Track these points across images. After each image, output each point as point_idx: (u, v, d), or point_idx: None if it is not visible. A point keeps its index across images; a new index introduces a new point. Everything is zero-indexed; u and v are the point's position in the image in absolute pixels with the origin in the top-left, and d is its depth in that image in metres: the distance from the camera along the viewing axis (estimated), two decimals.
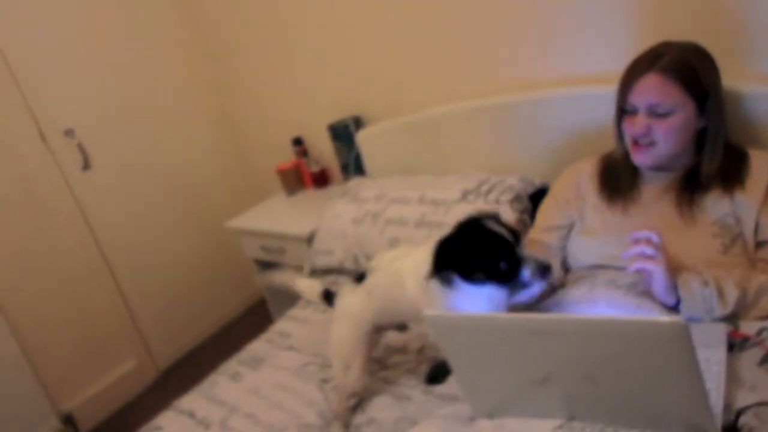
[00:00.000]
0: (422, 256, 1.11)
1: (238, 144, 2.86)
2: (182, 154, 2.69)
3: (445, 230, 1.11)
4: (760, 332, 0.99)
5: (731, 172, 1.17)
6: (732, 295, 1.03)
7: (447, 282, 1.06)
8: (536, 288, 1.04)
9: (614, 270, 1.21)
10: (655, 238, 1.06)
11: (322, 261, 1.94)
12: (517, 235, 1.05)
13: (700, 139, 1.19)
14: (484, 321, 0.89)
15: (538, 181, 1.67)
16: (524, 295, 1.05)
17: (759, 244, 1.12)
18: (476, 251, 1.04)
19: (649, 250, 1.05)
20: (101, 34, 2.39)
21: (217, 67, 2.68)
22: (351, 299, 1.28)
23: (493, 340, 0.86)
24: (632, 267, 1.07)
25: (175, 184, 2.67)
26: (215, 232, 2.72)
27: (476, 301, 1.05)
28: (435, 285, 1.07)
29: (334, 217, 1.94)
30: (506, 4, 1.67)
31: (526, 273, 1.03)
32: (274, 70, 2.43)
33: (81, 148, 2.31)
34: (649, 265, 1.05)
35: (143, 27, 2.53)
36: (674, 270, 1.08)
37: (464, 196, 1.68)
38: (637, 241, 1.07)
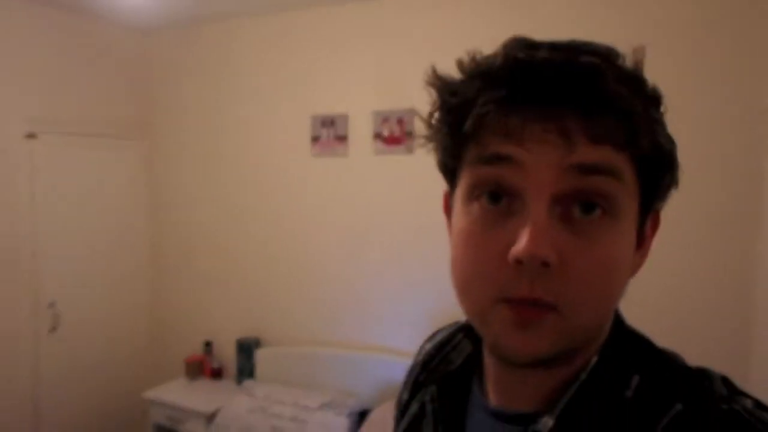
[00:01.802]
0: None
1: (155, 331, 3.83)
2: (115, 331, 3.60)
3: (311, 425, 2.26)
4: None
5: None
6: None
7: None
8: None
9: None
10: None
11: None
12: None
13: None
14: None
15: (366, 405, 2.92)
16: None
17: None
18: None
19: None
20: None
21: (153, 267, 3.76)
22: None
23: None
24: None
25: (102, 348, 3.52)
26: (125, 398, 3.54)
27: None
28: None
29: (235, 405, 3.00)
30: (349, 281, 3.07)
31: None
32: (199, 283, 3.58)
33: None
34: None
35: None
36: None
37: (321, 406, 2.87)
38: None
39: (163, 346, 3.76)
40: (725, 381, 0.51)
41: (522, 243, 0.45)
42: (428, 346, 0.71)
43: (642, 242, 0.52)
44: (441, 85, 0.51)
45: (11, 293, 2.91)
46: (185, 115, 3.55)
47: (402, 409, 0.71)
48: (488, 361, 0.58)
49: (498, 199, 0.49)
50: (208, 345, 3.52)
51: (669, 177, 0.51)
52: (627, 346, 0.54)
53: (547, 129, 0.46)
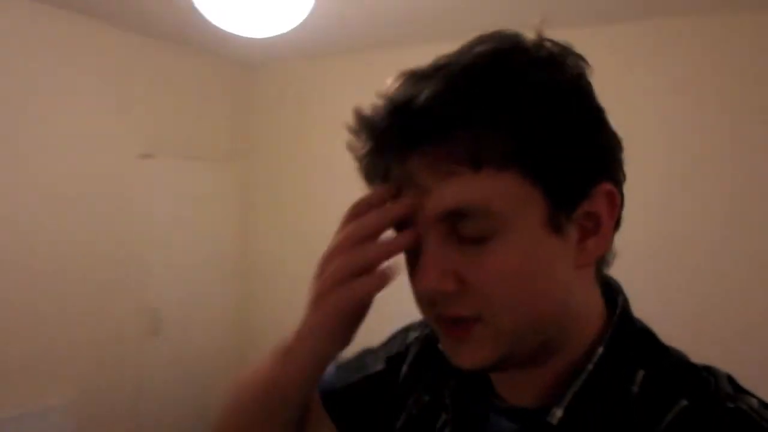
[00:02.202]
0: None
1: (245, 339, 4.02)
2: None
3: None
4: None
5: None
6: None
7: None
8: None
9: None
10: None
11: None
12: None
13: None
14: None
15: None
16: None
17: None
18: None
19: None
20: None
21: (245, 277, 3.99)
22: None
23: None
24: None
25: None
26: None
27: None
28: None
29: None
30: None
31: None
32: (289, 293, 3.75)
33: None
34: None
35: None
36: None
37: None
38: None
39: (256, 354, 3.96)
40: (730, 380, 0.51)
41: (417, 281, 0.50)
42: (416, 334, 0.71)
43: (595, 224, 0.51)
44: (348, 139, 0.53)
45: (120, 300, 3.20)
46: (279, 143, 3.82)
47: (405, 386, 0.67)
48: None
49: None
50: None
51: (574, 161, 0.49)
52: (633, 339, 0.54)
53: (402, 174, 0.49)
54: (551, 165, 0.48)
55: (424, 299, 0.52)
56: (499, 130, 0.47)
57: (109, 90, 3.11)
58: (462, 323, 0.50)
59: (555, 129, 0.48)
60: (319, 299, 0.54)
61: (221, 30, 2.30)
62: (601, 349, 0.53)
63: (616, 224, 0.54)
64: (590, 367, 0.52)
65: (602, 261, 0.56)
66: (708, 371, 0.52)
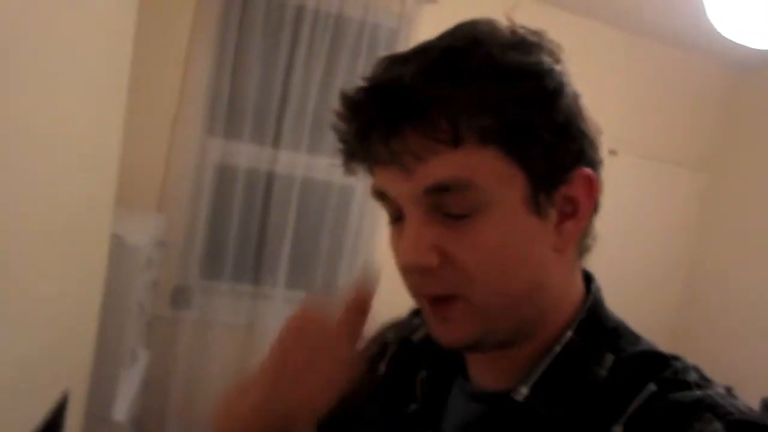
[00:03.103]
0: None
1: None
2: None
3: None
4: None
5: None
6: None
7: None
8: None
9: None
10: None
11: None
12: None
13: None
14: None
15: None
16: None
17: None
18: None
19: None
20: None
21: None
22: None
23: None
24: None
25: None
26: None
27: None
28: None
29: None
30: None
31: None
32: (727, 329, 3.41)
33: None
34: None
35: None
36: None
37: None
38: None
39: None
40: (696, 369, 0.52)
41: (401, 255, 0.51)
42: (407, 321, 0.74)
43: (573, 207, 0.53)
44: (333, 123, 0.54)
45: None
46: (758, 154, 3.44)
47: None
48: None
49: (398, 219, 0.54)
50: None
51: (553, 143, 0.50)
52: (602, 325, 0.56)
53: (387, 153, 0.50)
54: (530, 144, 0.49)
55: (407, 274, 0.53)
56: (476, 108, 0.48)
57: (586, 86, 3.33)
58: (443, 302, 0.52)
59: (532, 109, 0.49)
60: None
61: (719, 33, 2.21)
62: (569, 333, 0.54)
63: (594, 209, 0.55)
64: (558, 348, 0.54)
65: (582, 247, 0.57)
66: (676, 360, 0.53)
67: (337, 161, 0.56)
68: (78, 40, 1.24)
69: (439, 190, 0.49)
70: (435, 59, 0.49)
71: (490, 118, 0.48)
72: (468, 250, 0.50)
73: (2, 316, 1.05)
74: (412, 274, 0.53)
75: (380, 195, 0.54)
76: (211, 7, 2.71)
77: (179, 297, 2.86)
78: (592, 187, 0.53)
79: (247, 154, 2.85)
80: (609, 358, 0.53)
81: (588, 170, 0.53)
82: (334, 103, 0.53)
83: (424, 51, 0.50)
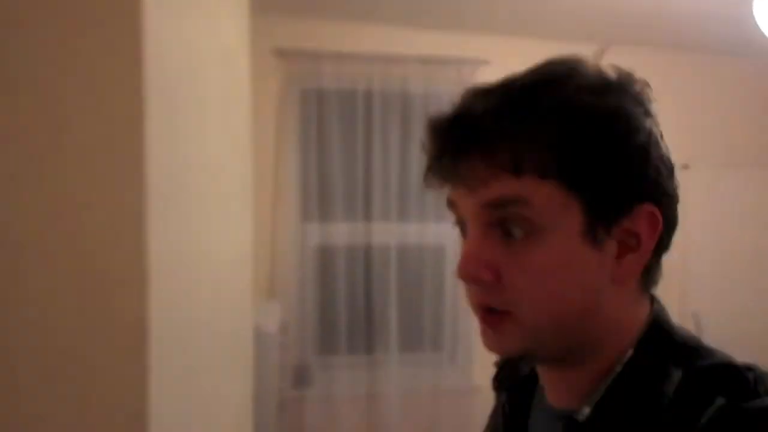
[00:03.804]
0: None
1: None
2: None
3: None
4: None
5: None
6: None
7: None
8: None
9: None
10: None
11: None
12: None
13: None
14: None
15: None
16: None
17: None
18: None
19: None
20: None
21: None
22: None
23: None
24: None
25: None
26: None
27: None
28: None
29: None
30: None
31: None
32: None
33: None
34: None
35: None
36: None
37: None
38: None
39: None
40: None
41: (459, 266, 0.54)
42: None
43: (636, 241, 0.53)
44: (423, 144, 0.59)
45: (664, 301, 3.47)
46: None
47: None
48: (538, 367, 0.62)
49: (463, 231, 0.57)
50: None
51: (612, 181, 0.52)
52: (668, 342, 0.55)
53: (455, 175, 0.54)
54: (588, 181, 0.51)
55: (465, 284, 0.56)
56: (537, 146, 0.51)
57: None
58: (495, 313, 0.55)
59: (593, 149, 0.51)
60: None
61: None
62: (630, 351, 0.55)
63: (665, 246, 0.56)
64: (619, 368, 0.54)
65: (647, 280, 0.57)
66: (750, 370, 0.51)
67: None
68: (231, 167, 1.45)
69: (498, 205, 0.53)
70: (510, 95, 0.53)
71: (551, 155, 0.51)
72: (520, 272, 0.53)
73: (196, 416, 1.13)
74: (468, 283, 0.56)
75: (451, 204, 0.58)
76: (291, 106, 3.01)
77: (301, 376, 3.01)
78: (655, 224, 0.54)
79: (342, 233, 3.05)
80: (677, 375, 0.52)
81: (652, 207, 0.53)
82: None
83: (504, 86, 0.55)
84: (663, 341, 0.55)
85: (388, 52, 3.06)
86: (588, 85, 0.53)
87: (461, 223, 0.58)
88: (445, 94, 3.11)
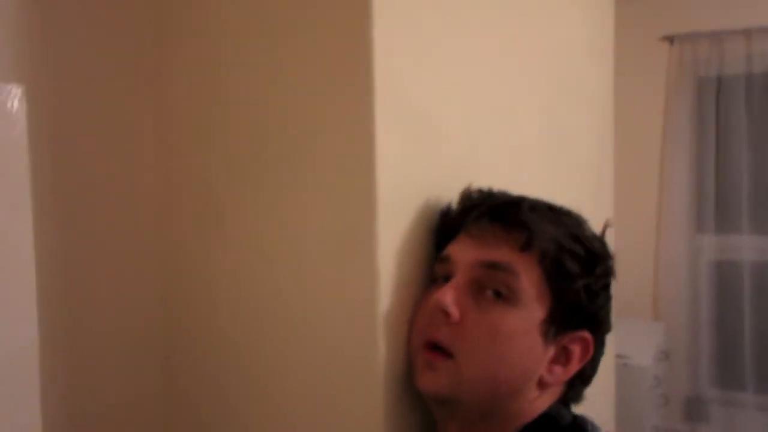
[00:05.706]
0: None
1: None
2: None
3: None
4: None
5: None
6: None
7: None
8: None
9: None
10: None
11: None
12: None
13: None
14: None
15: None
16: None
17: None
18: None
19: None
20: None
21: None
22: None
23: None
24: None
25: None
26: None
27: None
28: None
29: None
30: None
31: None
32: None
33: None
34: None
35: None
36: None
37: None
38: None
39: None
40: None
41: (437, 296, 0.60)
42: None
43: (566, 358, 0.62)
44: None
45: None
46: None
47: None
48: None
49: (446, 279, 0.63)
50: None
51: (581, 298, 0.61)
52: (543, 424, 0.61)
53: (479, 232, 0.63)
54: (567, 285, 0.61)
55: (430, 313, 0.62)
56: (548, 238, 0.61)
57: None
58: (438, 352, 0.61)
59: (582, 269, 0.62)
60: None
61: None
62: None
63: (589, 373, 0.64)
64: None
65: (570, 394, 0.65)
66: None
67: None
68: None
69: (491, 266, 0.61)
70: (540, 204, 0.66)
71: (554, 248, 0.61)
72: (479, 325, 0.59)
73: None
74: (434, 313, 0.61)
75: (444, 259, 0.65)
76: (683, 96, 2.61)
77: (693, 410, 2.65)
78: (586, 351, 0.63)
79: (748, 247, 2.54)
80: None
81: (589, 336, 0.62)
82: None
83: (541, 202, 0.66)
84: (552, 424, 0.62)
85: None
86: (591, 235, 0.66)
87: (447, 272, 0.64)
88: None
